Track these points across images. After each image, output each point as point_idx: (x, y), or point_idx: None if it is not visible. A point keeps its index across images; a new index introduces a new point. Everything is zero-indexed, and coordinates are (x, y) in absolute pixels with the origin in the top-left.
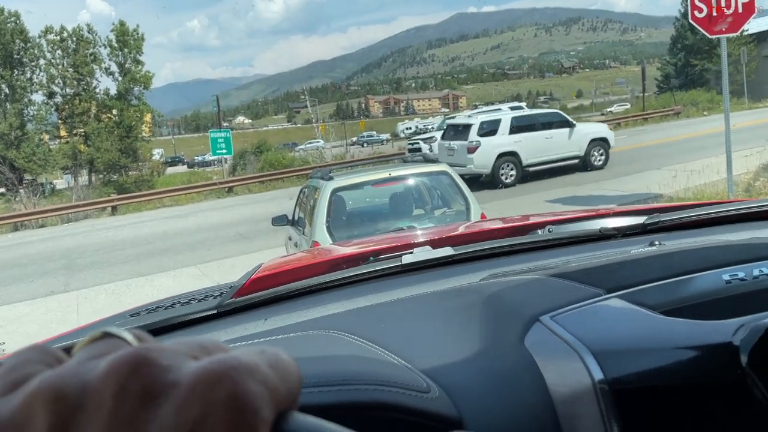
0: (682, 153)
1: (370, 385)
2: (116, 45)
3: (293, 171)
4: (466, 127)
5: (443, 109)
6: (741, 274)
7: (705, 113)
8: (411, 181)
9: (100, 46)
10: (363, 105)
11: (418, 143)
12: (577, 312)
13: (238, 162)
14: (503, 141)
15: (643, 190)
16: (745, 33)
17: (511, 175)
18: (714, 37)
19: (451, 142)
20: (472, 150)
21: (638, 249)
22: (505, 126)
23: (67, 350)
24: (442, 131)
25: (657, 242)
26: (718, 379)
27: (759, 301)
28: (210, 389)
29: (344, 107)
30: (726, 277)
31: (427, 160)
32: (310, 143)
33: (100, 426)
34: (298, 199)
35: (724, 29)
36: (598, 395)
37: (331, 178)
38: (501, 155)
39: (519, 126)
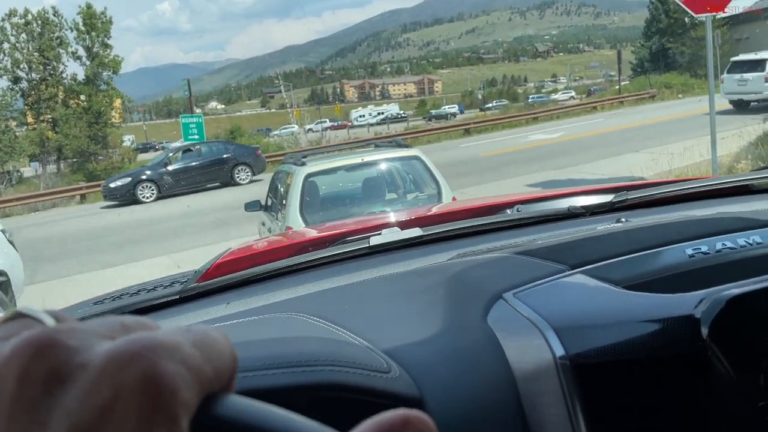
0: (659, 136)
1: (327, 365)
2: (83, 28)
3: (268, 156)
4: (759, 62)
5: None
6: (704, 248)
7: (680, 96)
8: (383, 166)
9: (66, 30)
10: (338, 90)
11: None
12: (540, 288)
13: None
14: None
15: (624, 173)
16: (719, 16)
17: None
18: (699, 16)
19: (743, 75)
20: None
21: (604, 226)
22: None
23: None
24: (728, 67)
25: (623, 219)
26: (679, 351)
27: (721, 274)
28: (121, 370)
29: (319, 92)
30: (689, 251)
31: (399, 145)
32: (285, 128)
33: (1, 412)
34: (271, 185)
35: (709, 8)
36: (559, 371)
37: (303, 164)
38: None
39: None
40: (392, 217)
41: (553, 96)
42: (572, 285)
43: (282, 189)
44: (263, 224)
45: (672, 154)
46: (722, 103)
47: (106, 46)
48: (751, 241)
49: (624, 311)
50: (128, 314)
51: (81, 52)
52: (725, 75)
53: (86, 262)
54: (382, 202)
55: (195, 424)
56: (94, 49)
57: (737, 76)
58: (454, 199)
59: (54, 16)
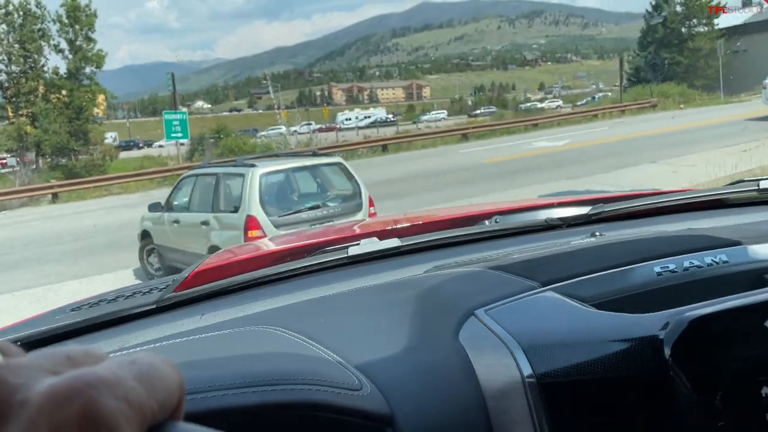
0: (671, 146)
1: (298, 384)
2: (66, 21)
3: (255, 158)
4: None
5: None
6: (672, 266)
7: (681, 106)
8: (317, 169)
9: (48, 22)
10: (326, 92)
11: None
12: (510, 306)
13: (196, 147)
14: None
15: (645, 185)
16: (716, 27)
17: None
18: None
19: None
20: None
21: (579, 240)
22: None
23: None
24: None
25: (598, 233)
26: (643, 372)
27: (688, 294)
28: (59, 408)
29: (307, 94)
30: (658, 269)
31: (326, 154)
32: (273, 129)
33: None
34: (188, 187)
35: None
36: (526, 390)
37: (254, 166)
38: None
39: None
40: (371, 227)
41: (539, 105)
42: (542, 303)
43: (225, 188)
44: (177, 222)
45: (694, 165)
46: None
47: (89, 39)
48: (717, 260)
49: (591, 331)
50: (106, 323)
51: (63, 45)
52: (767, 81)
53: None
54: (316, 198)
55: None
56: (77, 43)
57: None
58: (369, 197)
59: (36, 7)
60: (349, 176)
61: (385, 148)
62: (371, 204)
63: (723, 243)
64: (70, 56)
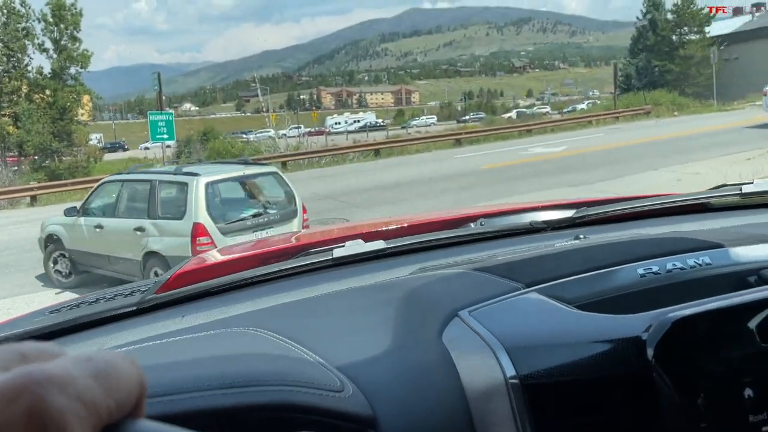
0: (671, 153)
1: (278, 385)
2: (51, 20)
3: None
4: None
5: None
6: (655, 268)
7: (675, 113)
8: (255, 178)
9: (33, 20)
10: (315, 96)
11: None
12: (494, 307)
13: (183, 150)
14: None
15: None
16: (707, 35)
17: None
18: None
19: None
20: None
21: (562, 243)
22: None
23: None
24: None
25: (582, 236)
26: (626, 372)
27: (670, 295)
28: (5, 406)
29: (296, 98)
30: (641, 270)
31: (262, 163)
32: (261, 132)
33: None
34: (114, 192)
35: None
36: (509, 391)
37: (197, 174)
38: None
39: None
40: (355, 229)
41: (535, 110)
42: (526, 304)
43: (163, 195)
44: (97, 227)
45: (698, 173)
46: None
47: (75, 39)
48: (700, 262)
49: (574, 332)
50: (87, 325)
51: (48, 44)
52: None
53: None
54: (257, 204)
55: None
56: (62, 42)
57: None
58: (302, 204)
59: (21, 5)
60: (285, 185)
61: (377, 153)
62: (304, 211)
63: (706, 245)
64: (55, 56)
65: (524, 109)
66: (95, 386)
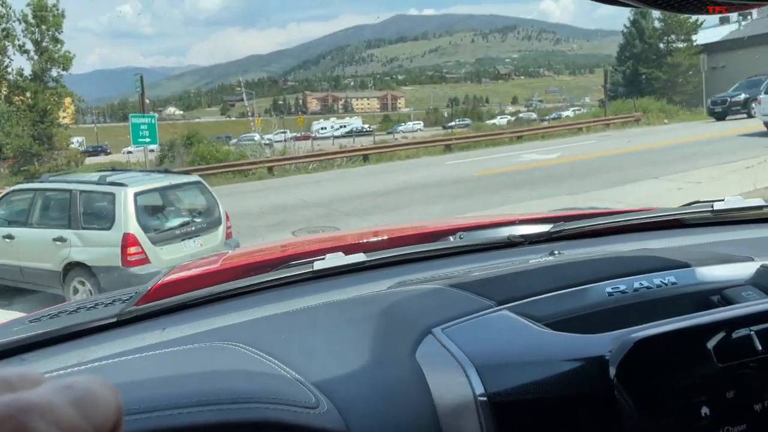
0: (668, 162)
1: (252, 403)
2: (32, 21)
3: (229, 166)
4: None
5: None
6: (622, 287)
7: (666, 121)
8: (181, 188)
9: (13, 21)
10: (301, 101)
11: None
12: (466, 324)
13: (166, 154)
14: None
15: (654, 203)
16: (695, 44)
17: None
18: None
19: None
20: None
21: (537, 258)
22: None
23: None
24: (766, 86)
25: (557, 252)
26: (591, 391)
27: (637, 314)
28: None
29: (281, 102)
30: (609, 289)
31: (185, 174)
32: (246, 136)
33: None
34: (31, 201)
35: None
36: (478, 409)
37: (125, 185)
38: None
39: None
40: (336, 241)
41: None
42: (497, 322)
43: (88, 205)
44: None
45: (699, 182)
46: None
47: (56, 40)
48: (666, 282)
49: (542, 350)
50: (66, 336)
51: (29, 45)
52: (762, 96)
53: None
54: (183, 213)
55: None
56: (44, 44)
57: None
58: (226, 213)
59: (1, 6)
60: (208, 193)
61: (366, 158)
62: (227, 219)
63: (673, 265)
64: (36, 57)
65: (522, 114)
66: (74, 413)
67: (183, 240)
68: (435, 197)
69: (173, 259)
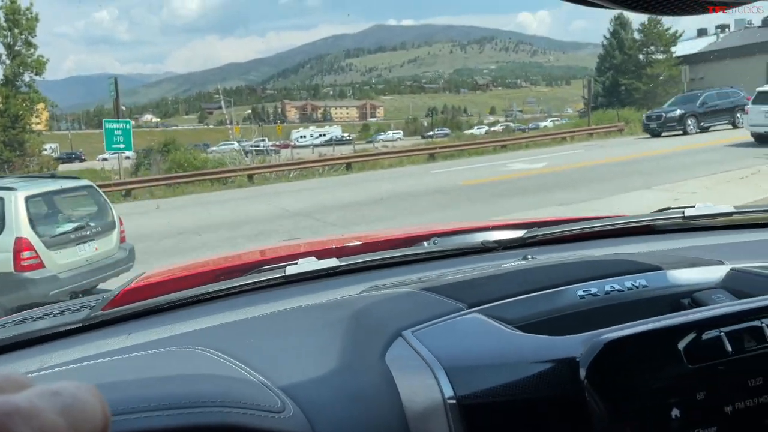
0: (658, 171)
1: (216, 407)
2: (5, 24)
3: (207, 174)
4: None
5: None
6: (594, 290)
7: None
8: (73, 192)
9: None
10: (280, 109)
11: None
12: (437, 327)
13: (142, 161)
14: None
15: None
16: (674, 55)
17: None
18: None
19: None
20: None
21: (510, 263)
22: None
23: None
24: (753, 97)
25: (530, 256)
26: (561, 393)
27: (608, 316)
28: None
29: (260, 111)
30: (580, 292)
31: (75, 178)
32: (224, 144)
33: None
34: None
35: None
36: (447, 412)
37: (14, 188)
38: None
39: None
40: (309, 246)
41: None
42: (467, 324)
43: None
44: None
45: (694, 192)
46: (734, 135)
47: (29, 44)
48: (637, 284)
49: (513, 352)
50: (32, 341)
51: (1, 49)
52: (750, 106)
53: None
54: (77, 217)
55: None
56: (16, 48)
57: (764, 107)
58: (120, 217)
59: None
60: (100, 197)
61: (348, 167)
62: (121, 223)
63: (644, 268)
64: (8, 61)
65: (510, 123)
66: (60, 421)
67: (78, 244)
68: (422, 207)
69: (69, 263)
